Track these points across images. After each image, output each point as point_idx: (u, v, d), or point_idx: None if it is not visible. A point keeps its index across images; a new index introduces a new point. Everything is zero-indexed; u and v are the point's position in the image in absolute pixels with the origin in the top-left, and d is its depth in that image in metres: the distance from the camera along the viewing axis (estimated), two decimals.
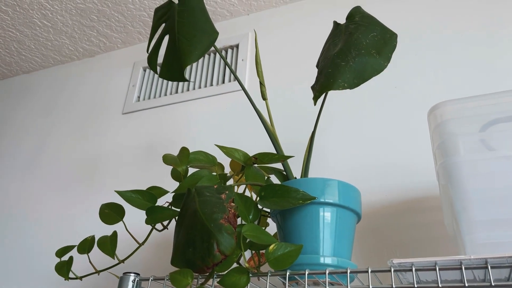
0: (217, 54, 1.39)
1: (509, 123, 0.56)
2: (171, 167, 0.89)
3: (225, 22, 1.45)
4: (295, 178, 0.74)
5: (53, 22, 1.51)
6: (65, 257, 0.77)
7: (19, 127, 1.62)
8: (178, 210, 0.72)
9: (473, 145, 0.57)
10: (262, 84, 0.80)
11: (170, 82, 1.42)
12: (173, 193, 0.74)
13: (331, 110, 1.11)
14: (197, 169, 0.76)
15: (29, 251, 1.28)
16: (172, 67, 0.68)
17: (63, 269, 0.75)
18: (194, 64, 1.41)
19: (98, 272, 0.74)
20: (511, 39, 1.01)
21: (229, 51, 1.38)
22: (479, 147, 0.56)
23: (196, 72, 1.39)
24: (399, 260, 0.52)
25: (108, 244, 0.74)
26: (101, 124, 1.45)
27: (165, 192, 0.79)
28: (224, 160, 0.85)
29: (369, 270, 0.55)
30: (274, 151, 0.86)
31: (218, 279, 0.60)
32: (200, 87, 1.35)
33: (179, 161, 0.74)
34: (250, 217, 0.64)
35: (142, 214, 1.02)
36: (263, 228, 0.71)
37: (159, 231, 0.76)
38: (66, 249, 0.78)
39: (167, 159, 0.75)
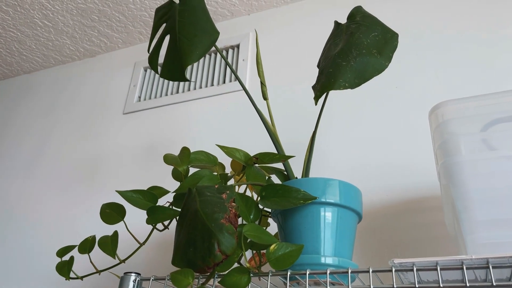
0: (218, 54, 1.39)
1: (510, 123, 0.56)
2: (172, 167, 0.89)
3: (226, 22, 1.45)
4: (296, 178, 0.74)
5: (54, 22, 1.51)
6: (66, 257, 0.77)
7: (20, 127, 1.62)
8: (179, 210, 0.72)
9: (474, 145, 0.57)
10: (263, 84, 0.80)
11: (171, 82, 1.42)
12: (174, 193, 0.74)
13: (332, 110, 1.11)
14: (198, 169, 0.76)
15: (29, 251, 1.28)
16: (173, 67, 0.68)
17: (64, 269, 0.75)
18: (195, 64, 1.41)
19: (99, 272, 0.74)
20: None
21: (230, 51, 1.38)
22: (480, 147, 0.56)
23: (197, 72, 1.39)
24: (400, 260, 0.52)
25: (109, 244, 0.74)
26: (102, 124, 1.45)
27: (166, 192, 0.79)
28: (225, 160, 0.85)
29: (370, 270, 0.55)
30: (275, 151, 0.86)
31: (219, 279, 0.60)
32: (201, 87, 1.35)
33: (180, 161, 0.74)
34: (251, 217, 0.64)
35: (143, 214, 1.02)
36: (264, 228, 0.71)
37: (160, 231, 0.76)
38: (67, 249, 0.78)
39: (168, 159, 0.75)
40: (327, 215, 0.64)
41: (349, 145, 1.04)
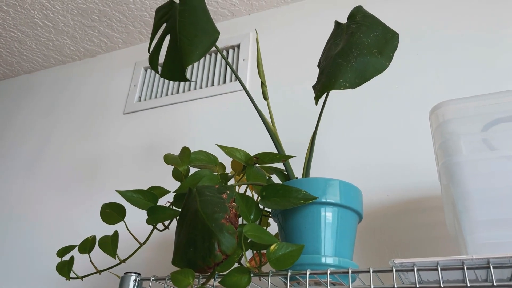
0: (218, 54, 1.39)
1: (511, 123, 0.56)
2: (172, 167, 0.89)
3: (226, 22, 1.45)
4: (297, 178, 0.73)
5: (55, 22, 1.51)
6: (66, 257, 0.77)
7: (21, 128, 1.62)
8: (179, 210, 0.72)
9: (475, 144, 0.57)
10: (263, 84, 0.80)
11: (171, 82, 1.42)
12: (174, 193, 0.74)
13: (332, 110, 1.10)
14: (198, 169, 0.76)
15: (30, 251, 1.28)
16: (173, 67, 0.68)
17: (64, 269, 0.75)
18: (195, 64, 1.41)
19: (99, 272, 0.74)
20: None
21: (230, 51, 1.38)
22: (481, 146, 0.56)
23: (197, 72, 1.39)
24: (400, 260, 0.52)
25: (109, 244, 0.74)
26: (102, 124, 1.45)
27: (166, 192, 0.79)
28: (225, 160, 0.85)
29: (371, 270, 0.55)
30: (275, 151, 0.86)
31: (219, 279, 0.60)
32: (201, 87, 1.35)
33: (180, 161, 0.74)
34: (251, 217, 0.64)
35: (143, 214, 1.02)
36: (264, 228, 0.71)
37: (160, 231, 0.76)
38: (67, 249, 0.78)
39: (168, 159, 0.75)
40: (328, 215, 0.64)
41: (349, 145, 1.04)
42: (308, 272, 0.59)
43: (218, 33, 0.69)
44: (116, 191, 0.72)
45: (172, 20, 0.72)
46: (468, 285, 0.48)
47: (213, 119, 1.26)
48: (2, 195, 1.46)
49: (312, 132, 0.80)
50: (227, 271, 0.60)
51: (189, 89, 1.37)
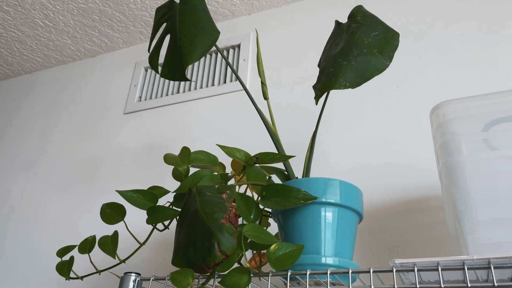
0: (219, 54, 1.39)
1: (511, 123, 0.56)
2: (172, 167, 0.89)
3: (227, 22, 1.45)
4: (297, 178, 0.73)
5: (55, 22, 1.51)
6: (66, 257, 0.77)
7: (21, 128, 1.62)
8: (179, 210, 0.72)
9: (475, 144, 0.56)
10: (263, 84, 0.80)
11: (171, 82, 1.42)
12: (174, 193, 0.74)
13: (332, 110, 1.10)
14: (198, 169, 0.75)
15: (30, 251, 1.28)
16: (173, 67, 0.68)
17: (64, 269, 0.75)
18: (196, 64, 1.41)
19: (99, 272, 0.74)
20: None
21: (231, 51, 1.38)
22: (481, 146, 0.56)
23: (197, 72, 1.39)
24: (401, 260, 0.52)
25: (109, 244, 0.73)
26: (103, 124, 1.45)
27: (166, 192, 0.78)
28: (226, 160, 0.85)
29: (371, 270, 0.55)
30: (275, 151, 0.86)
31: (219, 279, 0.60)
32: (201, 87, 1.35)
33: (180, 161, 0.74)
34: (251, 217, 0.64)
35: (143, 214, 1.02)
36: (265, 228, 0.71)
37: (160, 231, 0.76)
38: (67, 249, 0.78)
39: (168, 158, 0.75)
40: (328, 215, 0.64)
41: (349, 145, 1.03)
42: (308, 272, 0.59)
43: (218, 32, 0.69)
44: (116, 191, 0.72)
45: (172, 20, 0.72)
46: (469, 285, 0.48)
47: (213, 119, 1.26)
48: (3, 195, 1.46)
49: (312, 132, 0.80)
50: (227, 271, 0.60)
51: (190, 89, 1.37)
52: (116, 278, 1.05)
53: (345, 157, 1.02)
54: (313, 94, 1.03)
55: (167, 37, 0.73)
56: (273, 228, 0.90)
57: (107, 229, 1.15)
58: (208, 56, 1.42)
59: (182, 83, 1.39)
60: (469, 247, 0.53)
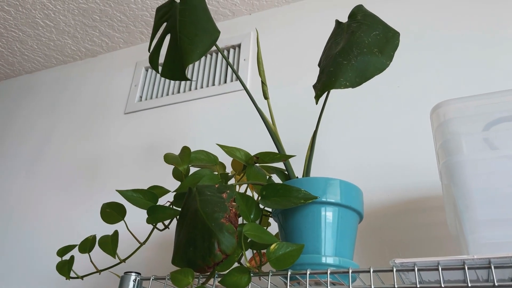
0: (219, 54, 1.39)
1: None
2: (173, 166, 0.89)
3: (227, 21, 1.45)
4: (297, 177, 0.73)
5: (56, 22, 1.51)
6: (66, 257, 0.77)
7: (21, 127, 1.62)
8: (179, 209, 0.72)
9: (476, 144, 0.56)
10: (264, 84, 0.80)
11: (172, 82, 1.42)
12: (174, 193, 0.74)
13: (332, 110, 1.10)
14: (199, 169, 0.75)
15: (30, 251, 1.28)
16: (173, 66, 0.68)
17: (65, 268, 0.75)
18: (196, 64, 1.41)
19: (99, 271, 0.74)
20: None
21: (231, 50, 1.38)
22: (482, 146, 0.56)
23: (198, 72, 1.39)
24: (401, 260, 0.52)
25: (109, 244, 0.73)
26: (103, 124, 1.45)
27: (167, 191, 0.78)
28: (226, 160, 0.85)
29: (371, 270, 0.54)
30: (275, 151, 0.86)
31: (219, 279, 0.60)
32: (202, 87, 1.35)
33: (181, 160, 0.74)
34: (252, 216, 0.64)
35: (143, 214, 1.02)
36: (265, 227, 0.71)
37: (160, 230, 0.76)
38: (67, 248, 0.78)
39: (168, 158, 0.75)
40: (328, 214, 0.64)
41: (349, 145, 1.03)
42: (308, 272, 0.58)
43: (219, 32, 0.69)
44: (116, 190, 0.72)
45: (173, 20, 0.72)
46: (469, 285, 0.48)
47: (213, 119, 1.26)
48: (2, 195, 1.46)
49: (312, 131, 0.80)
50: (227, 271, 0.60)
51: (190, 89, 1.37)
52: (116, 277, 1.05)
53: (345, 157, 1.02)
54: (313, 93, 1.03)
55: (168, 37, 0.73)
56: (273, 227, 0.90)
57: (107, 229, 1.15)
58: (208, 56, 1.42)
59: (183, 83, 1.39)
60: (470, 247, 0.53)
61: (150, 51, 0.76)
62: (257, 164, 0.76)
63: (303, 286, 0.67)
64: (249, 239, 0.62)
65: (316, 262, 0.61)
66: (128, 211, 0.77)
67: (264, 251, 0.63)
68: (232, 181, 0.99)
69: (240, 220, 0.76)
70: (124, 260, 0.73)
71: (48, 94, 1.66)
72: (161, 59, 1.26)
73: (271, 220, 0.85)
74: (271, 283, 0.77)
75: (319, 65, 0.74)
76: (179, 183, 1.05)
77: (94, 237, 0.76)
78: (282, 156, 0.72)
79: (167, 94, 1.40)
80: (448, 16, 1.11)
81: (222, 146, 0.75)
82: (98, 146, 1.40)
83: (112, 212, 0.75)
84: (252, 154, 0.75)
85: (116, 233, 0.74)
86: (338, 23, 0.77)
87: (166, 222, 0.75)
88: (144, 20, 1.48)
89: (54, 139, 1.51)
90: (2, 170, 1.54)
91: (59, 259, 1.16)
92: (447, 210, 0.62)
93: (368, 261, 0.87)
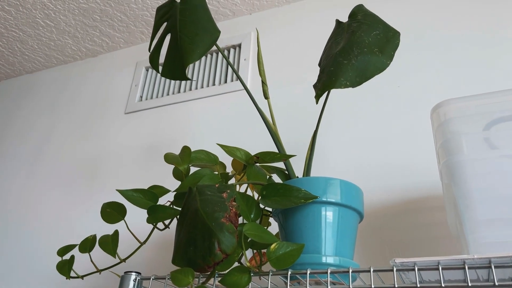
0: (220, 54, 1.39)
1: None
2: (173, 166, 0.88)
3: (228, 21, 1.45)
4: (297, 177, 0.73)
5: (56, 22, 1.51)
6: (67, 256, 0.77)
7: (21, 127, 1.62)
8: (180, 209, 0.72)
9: (476, 143, 0.56)
10: (264, 83, 0.80)
11: (172, 82, 1.42)
12: (175, 192, 0.74)
13: (332, 109, 1.10)
14: (199, 168, 0.75)
15: (30, 251, 1.28)
16: (174, 66, 0.68)
17: (65, 268, 0.75)
18: (197, 64, 1.41)
19: (99, 271, 0.74)
20: None
21: (232, 50, 1.38)
22: (482, 145, 0.56)
23: (198, 72, 1.39)
24: (401, 260, 0.52)
25: (110, 243, 0.73)
26: (103, 124, 1.45)
27: (167, 191, 0.78)
28: (226, 159, 0.85)
29: (371, 270, 0.54)
30: (276, 150, 0.86)
31: (219, 278, 0.60)
32: (202, 87, 1.35)
33: (181, 160, 0.74)
34: (252, 216, 0.64)
35: (143, 213, 1.02)
36: (265, 227, 0.71)
37: (161, 230, 0.76)
38: (68, 248, 0.78)
39: (168, 158, 0.75)
40: (328, 214, 0.64)
41: (349, 145, 1.03)
42: (308, 272, 0.58)
43: (219, 32, 0.69)
44: (117, 190, 0.72)
45: (173, 19, 0.72)
46: (470, 284, 0.48)
47: (214, 119, 1.26)
48: (2, 195, 1.47)
49: (312, 131, 0.80)
50: (227, 271, 0.60)
51: (190, 89, 1.37)
52: (117, 277, 1.05)
53: (345, 157, 1.02)
54: (313, 93, 1.03)
55: (168, 37, 0.73)
56: (274, 227, 0.90)
57: (107, 229, 1.15)
58: (209, 55, 1.42)
59: (183, 82, 1.39)
60: (470, 246, 0.53)
61: (151, 51, 0.76)
62: (258, 164, 0.76)
63: (303, 285, 0.67)
64: (249, 239, 0.62)
65: (316, 262, 0.61)
66: (128, 211, 0.77)
67: (264, 250, 0.63)
68: (232, 181, 0.99)
69: (240, 219, 0.76)
70: (124, 260, 0.73)
71: (49, 94, 1.66)
72: (162, 59, 1.27)
73: (271, 219, 0.85)
74: (271, 283, 0.77)
75: (319, 64, 0.74)
76: (179, 182, 1.05)
77: (94, 236, 0.76)
78: (282, 155, 0.72)
79: (168, 94, 1.40)
80: (448, 16, 1.11)
81: (222, 146, 0.75)
82: (98, 146, 1.40)
83: (113, 212, 0.75)
84: (253, 153, 0.75)
85: (116, 232, 0.74)
86: (338, 22, 0.77)
87: (167, 222, 0.75)
88: (145, 20, 1.48)
89: (54, 139, 1.51)
90: (2, 170, 1.54)
91: (59, 259, 1.16)
92: (448, 210, 0.62)
93: (368, 261, 0.87)
